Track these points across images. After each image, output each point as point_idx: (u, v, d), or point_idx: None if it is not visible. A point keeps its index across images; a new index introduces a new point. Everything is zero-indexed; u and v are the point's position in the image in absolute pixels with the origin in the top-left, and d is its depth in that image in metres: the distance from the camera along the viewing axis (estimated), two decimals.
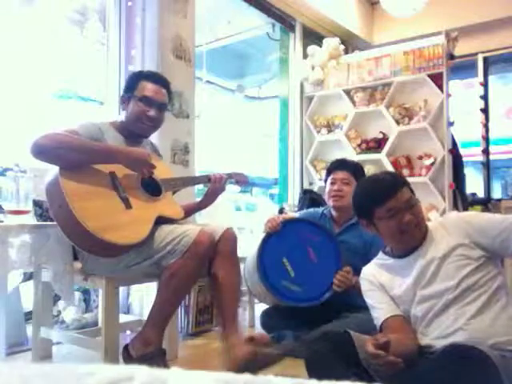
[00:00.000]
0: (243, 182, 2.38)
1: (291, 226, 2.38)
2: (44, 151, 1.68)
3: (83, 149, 1.74)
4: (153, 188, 1.94)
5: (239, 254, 2.03)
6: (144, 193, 1.89)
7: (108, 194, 1.77)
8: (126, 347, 1.83)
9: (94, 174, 1.77)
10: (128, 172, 1.86)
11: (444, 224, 1.56)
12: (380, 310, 1.56)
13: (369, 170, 3.58)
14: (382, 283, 1.59)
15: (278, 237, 2.33)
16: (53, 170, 1.73)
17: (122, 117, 2.04)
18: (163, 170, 2.06)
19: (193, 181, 2.38)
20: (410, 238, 1.53)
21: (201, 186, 2.76)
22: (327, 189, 2.52)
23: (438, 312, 1.44)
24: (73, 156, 1.71)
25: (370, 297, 1.61)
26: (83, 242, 1.72)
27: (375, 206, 1.52)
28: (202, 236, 1.81)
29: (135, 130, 2.00)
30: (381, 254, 1.67)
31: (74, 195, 1.66)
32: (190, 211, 2.24)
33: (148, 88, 1.99)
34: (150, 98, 1.98)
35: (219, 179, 2.18)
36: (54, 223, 1.91)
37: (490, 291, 1.41)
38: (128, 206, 1.79)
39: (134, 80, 2.03)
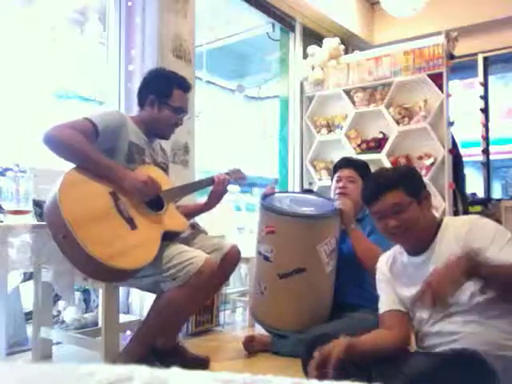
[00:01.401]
0: (241, 178, 2.33)
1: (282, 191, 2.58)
2: (54, 146, 1.72)
3: (90, 162, 1.76)
4: (154, 201, 1.90)
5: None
6: (147, 209, 1.84)
7: (111, 217, 1.72)
8: (113, 362, 1.83)
9: (94, 196, 1.73)
10: None
11: (471, 227, 1.41)
12: (382, 301, 1.56)
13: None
14: (391, 275, 1.56)
15: (274, 195, 2.45)
16: (50, 195, 1.70)
17: (143, 114, 2.04)
18: (163, 181, 2.00)
19: (196, 186, 2.34)
20: (402, 241, 1.50)
21: None
22: (333, 186, 2.53)
23: (444, 316, 1.40)
24: (78, 161, 1.76)
25: (378, 285, 1.60)
26: (94, 271, 1.67)
27: (367, 204, 1.52)
28: (207, 267, 1.79)
29: (159, 132, 2.05)
30: (398, 247, 1.60)
31: (78, 224, 1.60)
32: (193, 213, 2.22)
33: (181, 98, 2.03)
34: (184, 109, 2.04)
35: (223, 181, 2.15)
36: None
37: (501, 306, 1.34)
38: (133, 226, 1.75)
39: (168, 87, 2.02)
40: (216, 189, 2.15)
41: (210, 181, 2.18)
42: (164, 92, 2.00)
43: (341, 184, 2.46)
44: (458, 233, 1.42)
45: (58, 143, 1.72)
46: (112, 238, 1.68)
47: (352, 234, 2.30)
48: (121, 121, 1.90)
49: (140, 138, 1.98)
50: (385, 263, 1.61)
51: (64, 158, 1.76)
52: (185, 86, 2.06)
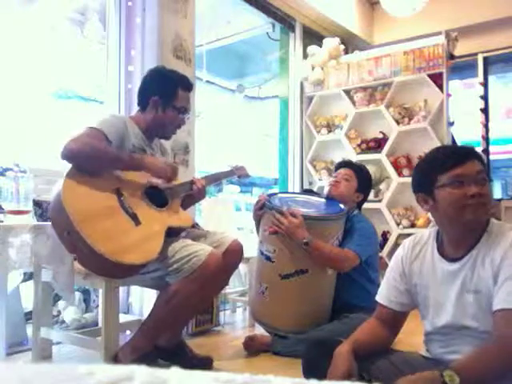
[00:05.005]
0: (245, 175, 2.43)
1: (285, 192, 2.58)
2: (76, 158, 1.71)
3: (116, 161, 1.78)
4: (158, 196, 1.91)
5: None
6: (150, 205, 1.86)
7: (115, 213, 1.74)
8: (116, 356, 1.83)
9: (98, 193, 1.74)
10: (132, 186, 1.84)
11: (507, 252, 1.23)
12: (381, 290, 1.50)
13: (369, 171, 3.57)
14: (410, 268, 1.42)
15: (277, 196, 2.51)
16: (53, 194, 1.70)
17: (145, 116, 2.02)
18: None
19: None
20: (472, 218, 1.26)
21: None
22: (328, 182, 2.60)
23: (454, 336, 1.33)
24: (104, 165, 1.77)
25: (387, 272, 1.50)
26: (99, 267, 1.68)
27: (439, 172, 1.30)
28: (211, 259, 1.80)
29: (161, 133, 2.06)
30: (432, 238, 1.42)
31: (81, 220, 1.61)
32: None
33: (184, 98, 2.03)
34: (187, 108, 2.04)
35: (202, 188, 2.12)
36: None
37: None
38: (137, 222, 1.77)
39: (173, 88, 2.00)
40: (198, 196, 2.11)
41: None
42: (169, 93, 1.98)
43: (335, 179, 2.53)
44: (494, 254, 1.25)
45: (79, 154, 1.70)
46: (116, 233, 1.70)
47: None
48: (123, 124, 1.90)
49: (140, 139, 1.98)
50: (410, 249, 1.44)
51: (89, 166, 1.75)
52: (188, 85, 2.06)
